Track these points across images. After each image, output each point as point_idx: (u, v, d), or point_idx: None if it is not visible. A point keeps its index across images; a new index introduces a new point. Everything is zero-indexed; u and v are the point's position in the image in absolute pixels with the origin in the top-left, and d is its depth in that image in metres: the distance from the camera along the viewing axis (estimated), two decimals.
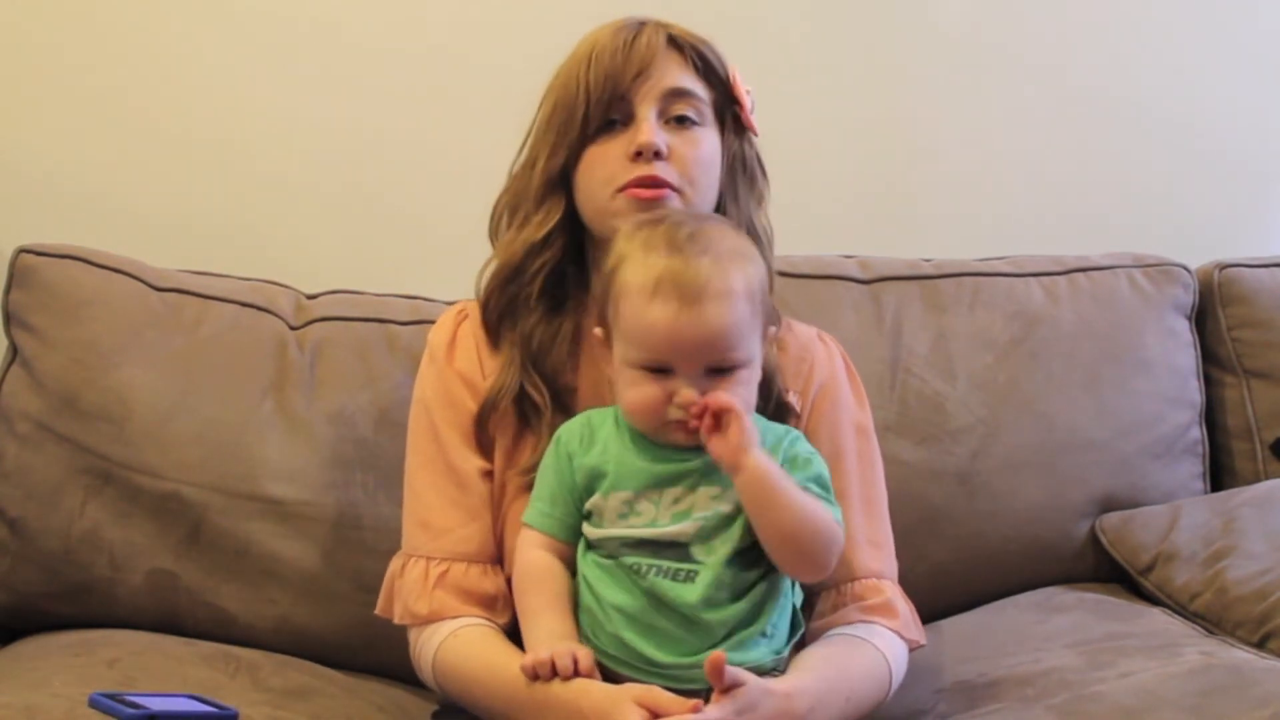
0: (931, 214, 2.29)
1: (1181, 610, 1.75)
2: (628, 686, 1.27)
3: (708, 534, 1.31)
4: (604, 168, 1.44)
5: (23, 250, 1.80)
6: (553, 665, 1.28)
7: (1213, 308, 2.07)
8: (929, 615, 1.84)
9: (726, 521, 1.32)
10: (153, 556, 1.73)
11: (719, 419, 1.27)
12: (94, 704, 1.35)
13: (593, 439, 1.37)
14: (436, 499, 1.47)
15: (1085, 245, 2.11)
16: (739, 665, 1.26)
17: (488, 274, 1.51)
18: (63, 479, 1.73)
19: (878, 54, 2.27)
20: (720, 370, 1.30)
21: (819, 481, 1.36)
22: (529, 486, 1.41)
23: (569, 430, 1.39)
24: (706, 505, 1.32)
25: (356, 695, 1.64)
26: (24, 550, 1.73)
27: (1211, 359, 2.06)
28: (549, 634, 1.32)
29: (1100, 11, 2.33)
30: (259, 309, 1.85)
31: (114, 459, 1.73)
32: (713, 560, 1.31)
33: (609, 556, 1.33)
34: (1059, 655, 1.61)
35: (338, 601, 1.75)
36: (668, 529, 1.31)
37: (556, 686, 1.29)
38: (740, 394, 1.30)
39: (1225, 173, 2.37)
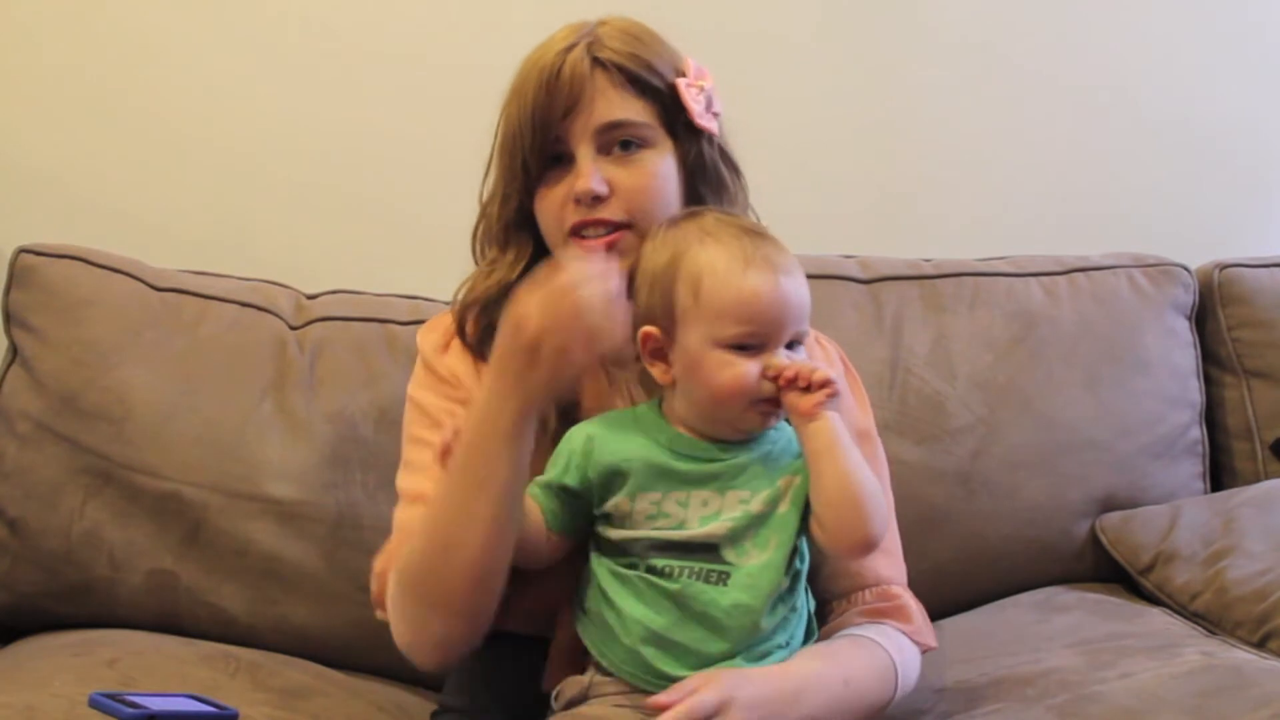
0: (931, 214, 2.29)
1: (1181, 610, 1.75)
2: None
3: (738, 535, 1.30)
4: (552, 210, 1.41)
5: (23, 250, 1.80)
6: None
7: (1213, 308, 2.07)
8: (929, 615, 1.84)
9: (757, 522, 1.31)
10: (153, 556, 1.73)
11: (811, 388, 1.28)
12: (94, 704, 1.35)
13: (613, 437, 1.35)
14: (421, 469, 1.42)
15: (1085, 245, 2.11)
16: None
17: (460, 301, 1.48)
18: (63, 479, 1.73)
19: (878, 54, 2.27)
20: (793, 345, 1.32)
21: None
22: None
23: (578, 432, 1.37)
24: (735, 507, 1.31)
25: (356, 695, 1.64)
26: (24, 550, 1.73)
27: (1211, 359, 2.06)
28: None
29: (1100, 12, 2.33)
30: (259, 309, 1.85)
31: (114, 459, 1.73)
32: (745, 563, 1.30)
33: (631, 566, 1.32)
34: (1059, 655, 1.61)
35: (338, 601, 1.75)
36: (698, 530, 1.30)
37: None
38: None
39: (1225, 173, 2.37)
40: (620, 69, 1.41)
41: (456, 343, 1.49)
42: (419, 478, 1.42)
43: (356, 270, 2.01)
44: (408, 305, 1.90)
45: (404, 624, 1.35)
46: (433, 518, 1.31)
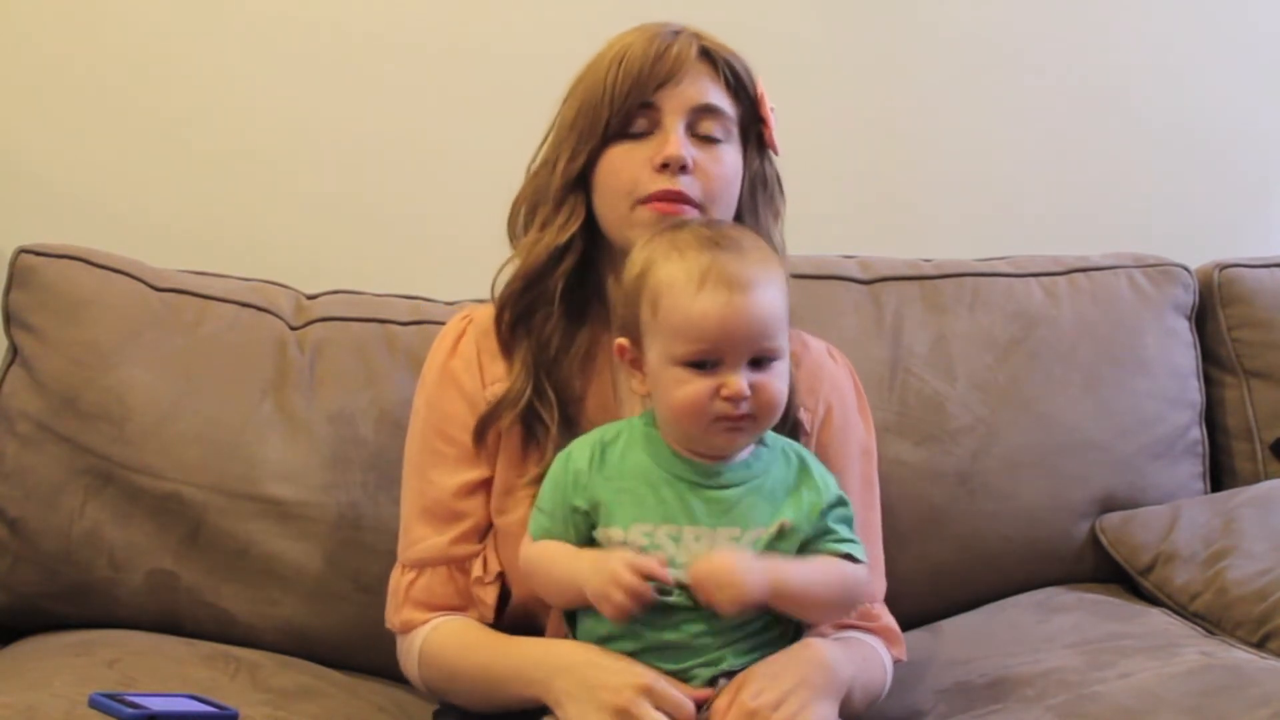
0: (931, 214, 2.29)
1: (1181, 610, 1.75)
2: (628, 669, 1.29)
3: None
4: (626, 174, 1.42)
5: (23, 250, 1.80)
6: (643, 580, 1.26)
7: (1213, 308, 2.07)
8: (929, 615, 1.85)
9: None
10: (153, 556, 1.73)
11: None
12: (94, 704, 1.35)
13: (603, 462, 1.34)
14: (413, 506, 1.50)
15: (1085, 245, 2.11)
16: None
17: (507, 275, 1.49)
18: (63, 479, 1.73)
19: (878, 54, 2.27)
20: (761, 361, 1.30)
21: (845, 520, 1.36)
22: (534, 498, 1.39)
23: (579, 448, 1.36)
24: (725, 547, 1.30)
25: (357, 695, 1.64)
26: (24, 550, 1.73)
27: (1211, 359, 2.06)
28: (581, 555, 1.32)
29: (1100, 12, 2.33)
30: (259, 309, 1.85)
31: (114, 459, 1.73)
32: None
33: None
34: (1059, 655, 1.61)
35: (338, 602, 1.75)
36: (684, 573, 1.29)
37: (532, 654, 1.34)
38: (780, 388, 1.31)
39: (1225, 173, 2.37)
40: (725, 62, 1.46)
41: (466, 341, 1.50)
42: (409, 514, 1.50)
43: (356, 270, 2.01)
44: (408, 305, 1.90)
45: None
46: (455, 671, 1.44)
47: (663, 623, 1.29)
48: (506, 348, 1.47)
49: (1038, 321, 1.97)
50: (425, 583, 1.46)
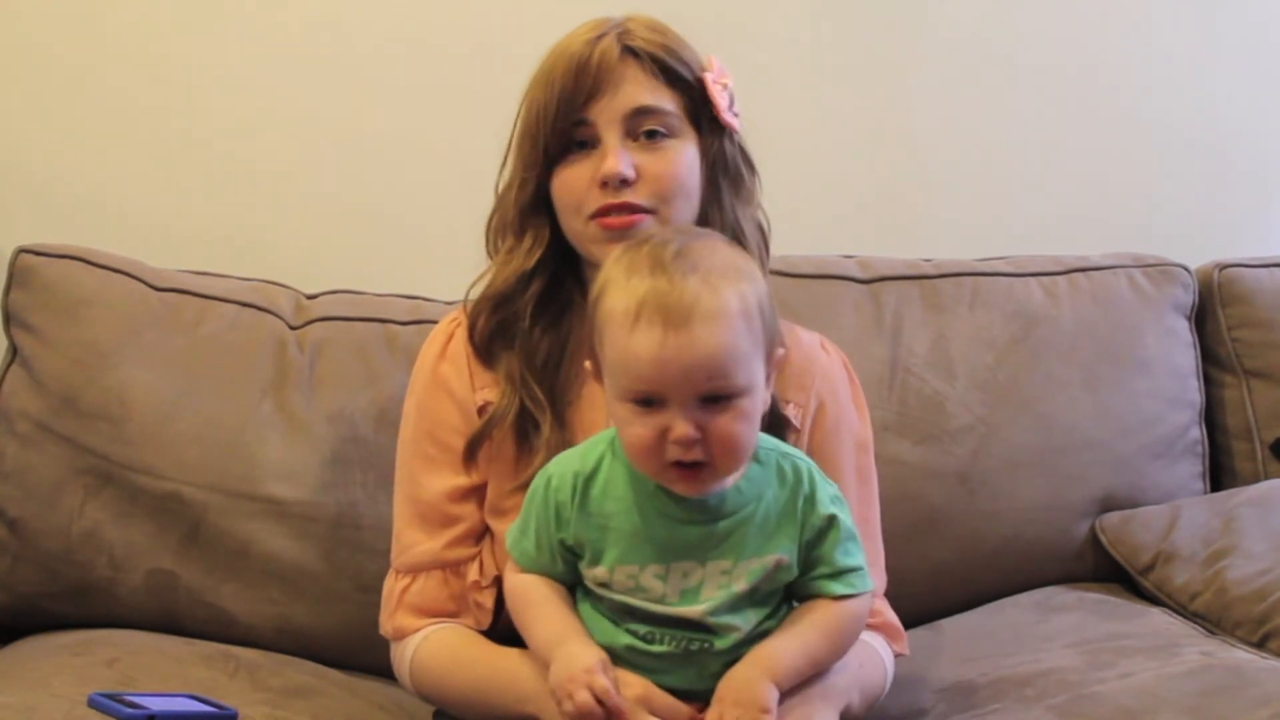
0: (931, 214, 2.29)
1: (1181, 610, 1.76)
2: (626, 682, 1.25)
3: (721, 612, 1.26)
4: (574, 192, 1.41)
5: (23, 250, 1.80)
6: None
7: (1213, 308, 2.07)
8: (929, 615, 1.85)
9: (741, 601, 1.26)
10: (153, 556, 1.73)
11: None
12: (94, 704, 1.35)
13: (585, 498, 1.27)
14: (404, 511, 1.49)
15: (1085, 245, 2.11)
16: None
17: (477, 294, 1.48)
18: (63, 479, 1.73)
19: (878, 54, 2.27)
20: (716, 399, 1.19)
21: (839, 541, 1.29)
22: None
23: (561, 477, 1.29)
24: (716, 581, 1.25)
25: (356, 695, 1.64)
26: (24, 550, 1.73)
27: (1211, 359, 2.06)
28: (564, 632, 1.27)
29: (1100, 12, 2.33)
30: (259, 309, 1.85)
31: (114, 459, 1.73)
32: (729, 634, 1.26)
33: (614, 621, 1.28)
34: (1059, 655, 1.61)
35: (338, 601, 1.75)
36: (678, 608, 1.25)
37: (526, 670, 1.31)
38: (739, 429, 1.20)
39: (1225, 173, 2.37)
40: (652, 57, 1.42)
41: (456, 343, 1.50)
42: (402, 520, 1.49)
43: (356, 270, 2.01)
44: (408, 305, 1.90)
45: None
46: (445, 681, 1.43)
47: (654, 668, 1.26)
48: (485, 360, 1.47)
49: (1038, 321, 1.97)
50: (419, 588, 1.45)
